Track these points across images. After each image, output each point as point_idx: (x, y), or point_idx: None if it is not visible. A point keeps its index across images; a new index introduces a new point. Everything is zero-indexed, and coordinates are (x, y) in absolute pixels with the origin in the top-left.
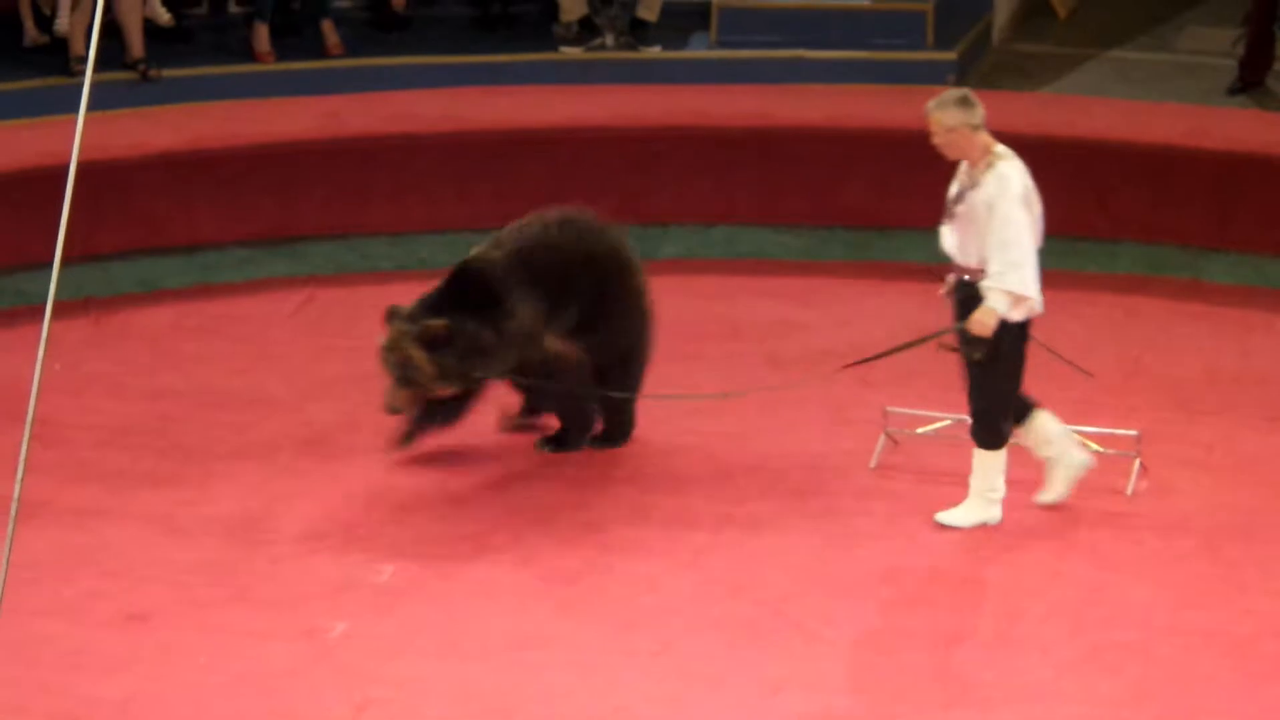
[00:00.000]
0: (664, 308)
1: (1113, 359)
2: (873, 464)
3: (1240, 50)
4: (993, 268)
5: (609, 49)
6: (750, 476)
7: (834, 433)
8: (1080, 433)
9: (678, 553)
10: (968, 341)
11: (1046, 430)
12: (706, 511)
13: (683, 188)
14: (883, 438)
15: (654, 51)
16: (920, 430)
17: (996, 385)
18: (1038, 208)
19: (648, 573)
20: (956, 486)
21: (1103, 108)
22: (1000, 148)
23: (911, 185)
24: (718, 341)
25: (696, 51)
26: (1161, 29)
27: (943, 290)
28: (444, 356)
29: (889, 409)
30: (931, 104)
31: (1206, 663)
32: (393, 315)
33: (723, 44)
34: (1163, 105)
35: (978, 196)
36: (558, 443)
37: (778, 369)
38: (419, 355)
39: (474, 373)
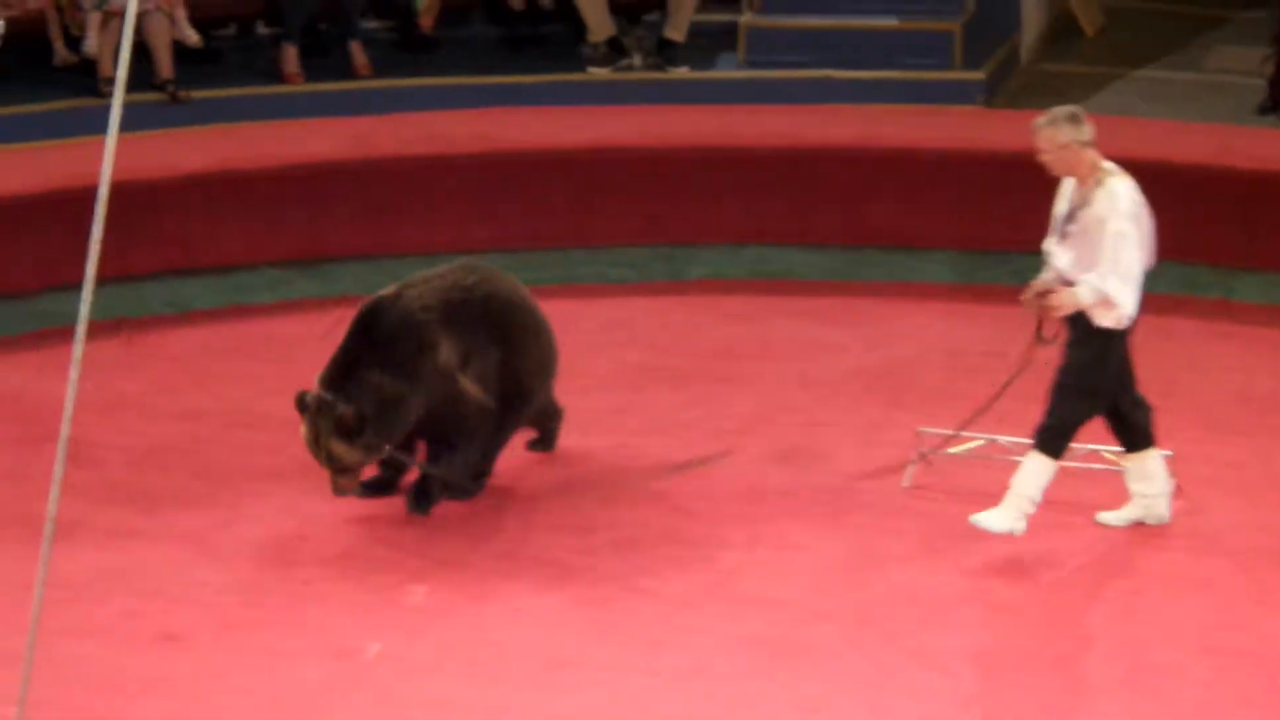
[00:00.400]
0: (693, 329)
1: (1146, 380)
2: (905, 484)
3: (1269, 69)
4: (1099, 270)
5: (636, 69)
6: (782, 496)
7: (866, 453)
8: (1113, 453)
9: (709, 573)
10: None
11: (1152, 471)
12: (737, 531)
13: (711, 208)
14: (915, 457)
15: (682, 72)
16: (952, 450)
17: (1076, 399)
18: (1148, 224)
19: (679, 593)
20: (989, 507)
21: (1131, 127)
22: (1108, 164)
23: (940, 204)
24: (749, 362)
25: (724, 72)
26: (1189, 48)
27: (1025, 295)
28: (365, 437)
29: (921, 429)
30: (1041, 120)
31: (1241, 683)
32: (303, 404)
33: (751, 64)
34: (1191, 125)
35: (1090, 214)
36: (423, 498)
37: (809, 389)
38: (341, 448)
39: (396, 433)
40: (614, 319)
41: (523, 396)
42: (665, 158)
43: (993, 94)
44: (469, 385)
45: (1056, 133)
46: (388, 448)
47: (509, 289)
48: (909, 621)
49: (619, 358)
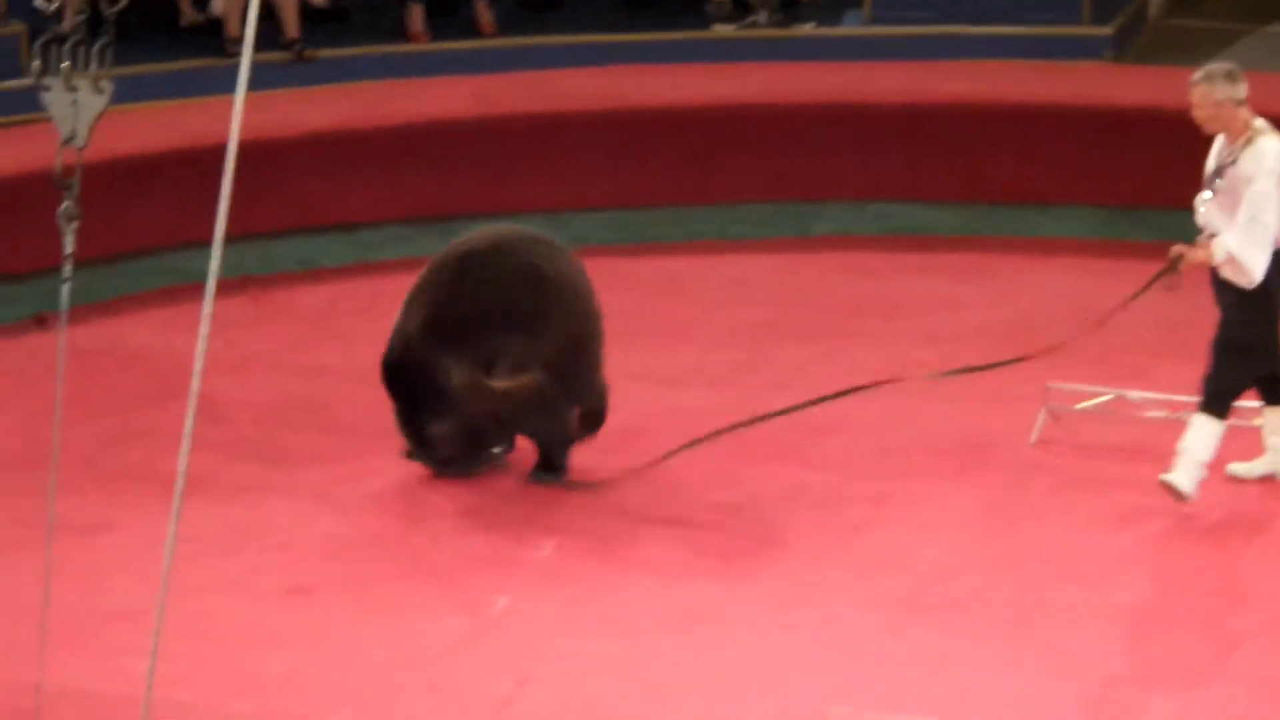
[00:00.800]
0: (818, 285)
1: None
2: (1033, 440)
3: None
4: (1236, 227)
5: (761, 26)
6: (909, 452)
7: (993, 409)
8: (1244, 408)
9: (836, 529)
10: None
11: None
12: (864, 488)
13: (835, 164)
14: (1043, 413)
15: (807, 29)
16: (1081, 406)
17: (1237, 360)
18: None
19: (806, 549)
20: (1118, 462)
21: (1260, 83)
22: (1260, 122)
23: (1067, 160)
24: (876, 319)
25: (850, 28)
26: None
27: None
28: (463, 472)
29: (1050, 384)
30: (1198, 76)
31: None
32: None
33: (876, 20)
34: None
35: (1236, 172)
36: (548, 469)
37: (936, 345)
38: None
39: (485, 443)
40: (735, 276)
41: (565, 368)
42: (789, 114)
43: (1120, 49)
44: (505, 383)
45: (1212, 89)
46: (493, 451)
47: (506, 269)
48: (1040, 576)
49: (741, 315)
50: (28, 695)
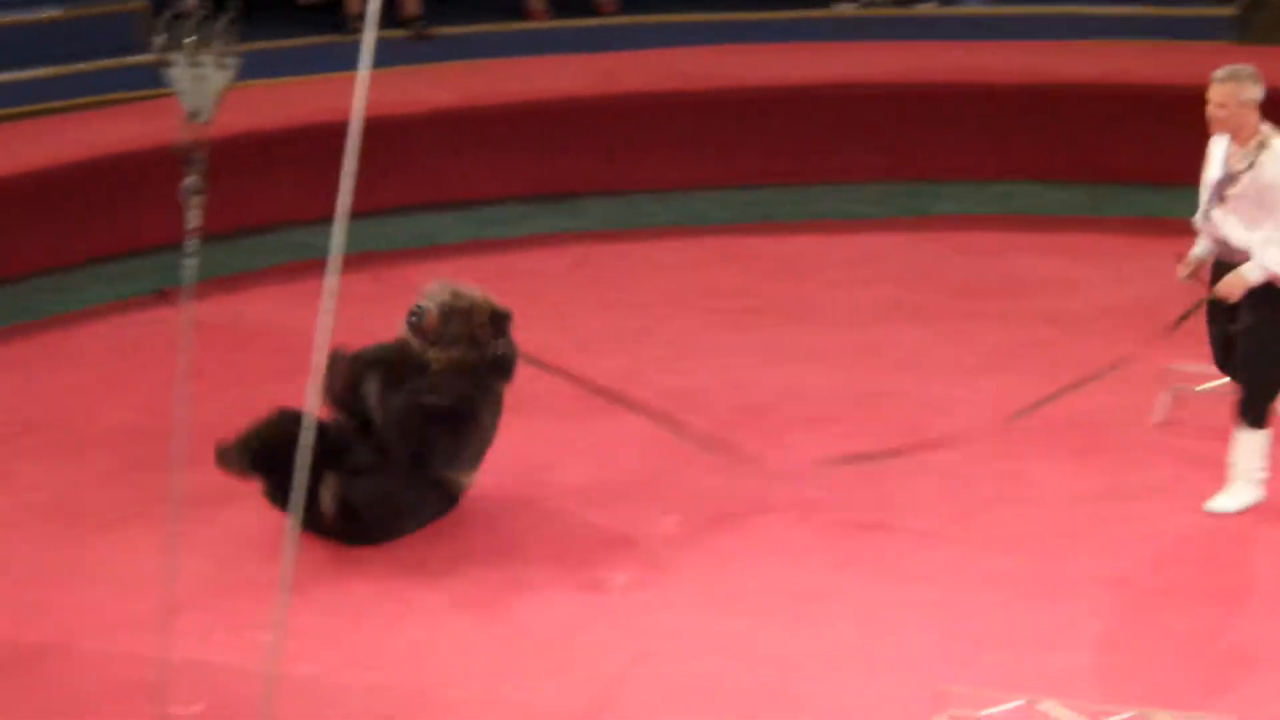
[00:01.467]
0: (938, 265)
1: None
2: (1155, 421)
3: None
4: (1264, 233)
5: (882, 5)
6: (1030, 433)
7: (1115, 389)
8: None
9: (955, 508)
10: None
11: None
12: (984, 468)
13: (957, 144)
14: (1165, 394)
15: (929, 7)
16: (1201, 388)
17: (1266, 368)
18: None
19: (925, 527)
20: None
21: None
22: (1267, 126)
23: (1188, 141)
24: (995, 299)
25: (972, 7)
26: None
27: (1181, 271)
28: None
29: (1170, 366)
30: (1223, 74)
31: None
32: None
33: None
34: None
35: (1256, 177)
36: None
37: (1055, 325)
38: None
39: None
40: (854, 255)
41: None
42: (910, 94)
43: (1243, 30)
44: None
45: (1241, 89)
46: None
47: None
48: (1156, 558)
49: (860, 295)
50: (151, 667)
